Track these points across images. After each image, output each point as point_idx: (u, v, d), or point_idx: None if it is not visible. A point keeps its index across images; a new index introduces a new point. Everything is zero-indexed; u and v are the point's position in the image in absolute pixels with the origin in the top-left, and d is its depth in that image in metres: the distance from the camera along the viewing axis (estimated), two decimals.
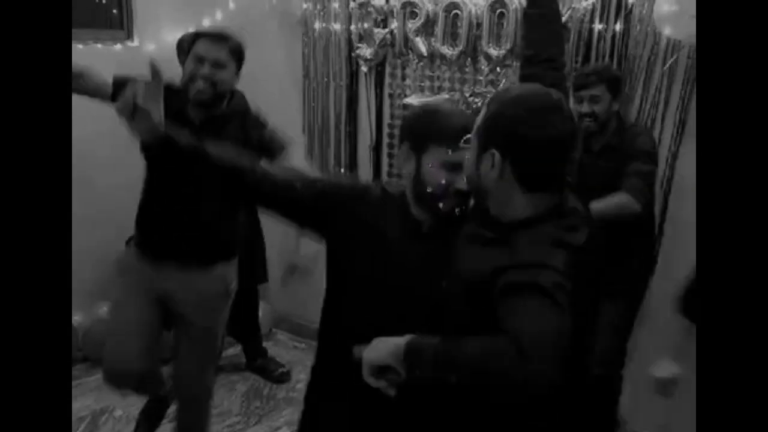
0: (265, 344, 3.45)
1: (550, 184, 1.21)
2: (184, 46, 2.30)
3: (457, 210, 1.36)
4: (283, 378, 3.26)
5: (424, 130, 1.37)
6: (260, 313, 3.43)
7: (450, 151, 1.32)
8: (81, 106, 1.67)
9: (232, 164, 1.52)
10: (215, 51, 2.01)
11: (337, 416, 1.49)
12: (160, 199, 2.15)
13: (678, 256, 2.60)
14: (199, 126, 2.03)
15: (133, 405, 2.64)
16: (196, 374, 2.33)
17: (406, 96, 3.08)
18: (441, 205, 1.35)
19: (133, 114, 1.43)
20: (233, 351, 3.44)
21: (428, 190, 1.35)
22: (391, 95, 3.16)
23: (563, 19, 2.60)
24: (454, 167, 1.32)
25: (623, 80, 2.47)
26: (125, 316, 2.20)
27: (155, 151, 1.85)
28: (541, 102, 1.18)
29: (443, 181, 1.33)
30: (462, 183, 1.32)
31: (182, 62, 2.14)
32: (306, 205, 1.48)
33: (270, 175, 1.53)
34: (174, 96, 2.01)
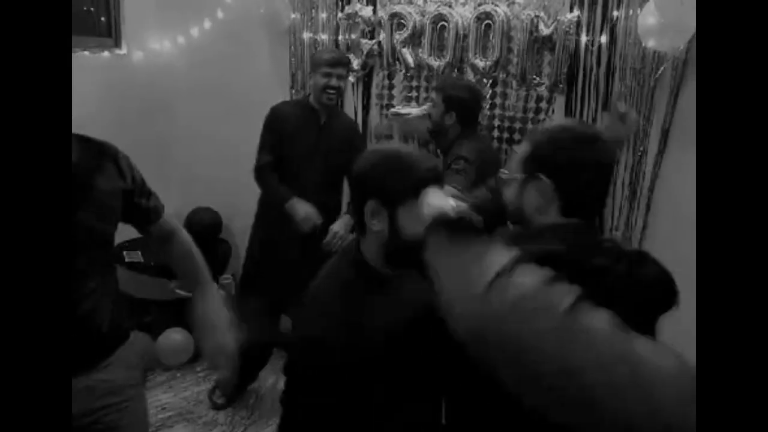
0: None
1: (591, 209, 1.26)
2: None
3: None
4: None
5: (397, 184, 1.20)
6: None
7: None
8: (81, 107, 1.61)
9: None
10: None
11: None
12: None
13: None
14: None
15: None
16: None
17: (392, 106, 3.09)
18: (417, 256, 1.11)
19: None
20: None
21: (406, 245, 1.17)
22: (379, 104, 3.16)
23: (548, 31, 2.63)
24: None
25: (461, 102, 2.51)
26: None
27: None
28: (583, 131, 1.25)
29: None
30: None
31: None
32: None
33: None
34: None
